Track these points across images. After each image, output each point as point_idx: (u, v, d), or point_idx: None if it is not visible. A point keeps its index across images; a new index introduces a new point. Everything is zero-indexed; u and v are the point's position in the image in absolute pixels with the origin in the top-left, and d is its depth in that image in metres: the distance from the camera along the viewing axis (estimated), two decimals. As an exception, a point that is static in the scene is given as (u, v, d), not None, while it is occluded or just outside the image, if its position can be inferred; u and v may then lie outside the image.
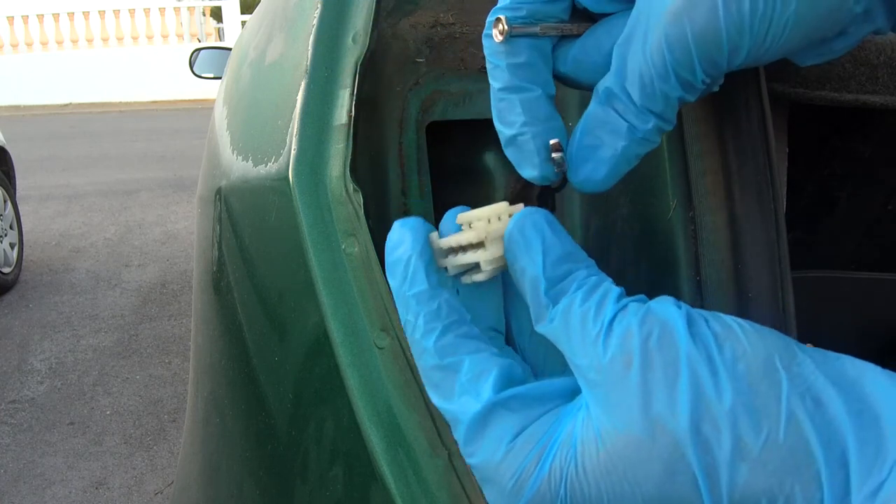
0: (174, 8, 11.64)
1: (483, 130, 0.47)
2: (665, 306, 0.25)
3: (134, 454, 2.20)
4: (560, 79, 0.31)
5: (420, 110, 0.44)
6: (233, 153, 0.53)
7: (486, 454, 0.26)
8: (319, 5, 0.43)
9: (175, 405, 2.46)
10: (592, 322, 0.25)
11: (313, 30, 0.42)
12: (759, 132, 0.37)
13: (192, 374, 0.66)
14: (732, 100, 0.38)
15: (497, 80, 0.29)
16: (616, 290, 0.26)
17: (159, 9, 11.52)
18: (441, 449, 0.36)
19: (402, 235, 0.29)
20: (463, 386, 0.27)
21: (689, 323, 0.24)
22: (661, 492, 0.23)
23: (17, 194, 3.91)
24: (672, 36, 0.25)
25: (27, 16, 11.25)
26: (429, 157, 0.44)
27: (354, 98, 0.40)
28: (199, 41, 12.07)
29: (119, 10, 11.38)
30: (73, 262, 3.92)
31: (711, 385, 0.23)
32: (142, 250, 4.10)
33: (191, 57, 2.51)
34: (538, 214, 0.28)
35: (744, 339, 0.23)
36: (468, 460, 0.27)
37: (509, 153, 0.30)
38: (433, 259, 0.29)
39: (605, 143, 0.28)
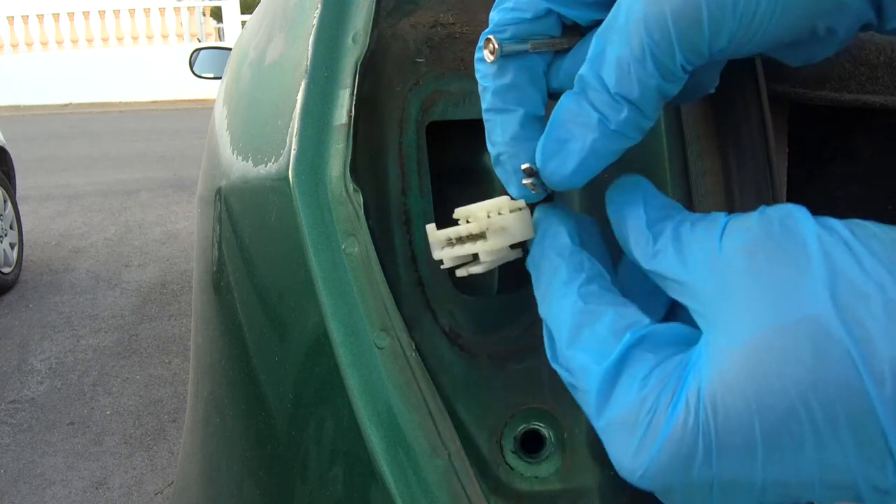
0: (174, 8, 11.64)
1: (483, 130, 0.47)
2: (781, 205, 0.24)
3: (134, 454, 2.20)
4: (555, 96, 0.30)
5: (420, 110, 0.44)
6: (233, 153, 0.53)
7: (618, 400, 0.25)
8: (319, 5, 0.43)
9: (175, 405, 2.47)
10: (705, 230, 0.25)
11: (313, 30, 0.42)
12: (759, 132, 0.37)
13: (192, 374, 0.66)
14: (732, 100, 0.38)
15: (483, 101, 0.30)
16: (700, 216, 0.26)
17: (159, 9, 11.52)
18: (441, 449, 0.36)
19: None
20: (604, 336, 0.26)
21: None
22: (814, 376, 0.21)
23: (17, 194, 3.91)
24: (651, 16, 0.24)
25: (27, 16, 11.25)
26: (429, 157, 0.44)
27: (354, 98, 0.40)
28: (199, 41, 12.08)
29: (119, 10, 11.38)
30: (73, 262, 3.92)
31: (848, 258, 0.22)
32: (142, 250, 4.10)
33: (191, 57, 2.51)
34: (637, 176, 0.28)
35: (871, 225, 0.23)
36: (601, 417, 0.25)
37: (497, 172, 0.31)
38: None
39: (576, 136, 0.27)
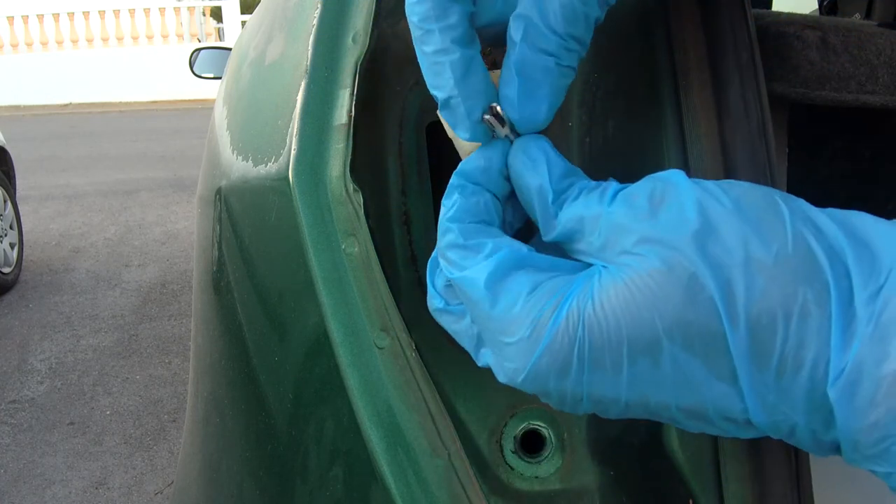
0: (174, 8, 11.64)
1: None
2: (664, 171, 0.27)
3: (134, 454, 2.20)
4: (483, 32, 0.32)
5: (420, 110, 0.44)
6: (233, 153, 0.53)
7: (502, 307, 0.27)
8: (319, 5, 0.43)
9: (175, 405, 2.47)
10: (598, 201, 0.28)
11: (313, 30, 0.42)
12: (759, 132, 0.37)
13: (192, 374, 0.66)
14: (732, 99, 0.38)
15: (428, 44, 0.30)
16: (605, 183, 0.29)
17: (159, 9, 11.52)
18: (441, 449, 0.36)
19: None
20: (482, 258, 0.28)
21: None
22: (680, 316, 0.24)
23: (17, 194, 3.91)
24: None
25: (27, 16, 11.25)
26: (429, 157, 0.44)
27: (354, 98, 0.40)
28: (199, 41, 12.07)
29: (119, 10, 11.38)
30: (73, 262, 3.92)
31: (719, 212, 0.25)
32: (142, 250, 4.10)
33: (191, 57, 2.51)
34: (541, 139, 0.30)
35: (745, 185, 0.26)
36: (483, 320, 0.28)
37: (444, 115, 0.31)
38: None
39: (539, 82, 0.29)
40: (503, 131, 0.31)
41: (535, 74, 0.29)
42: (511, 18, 0.30)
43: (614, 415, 0.27)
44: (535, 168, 0.29)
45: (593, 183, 0.29)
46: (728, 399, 0.25)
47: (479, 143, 0.32)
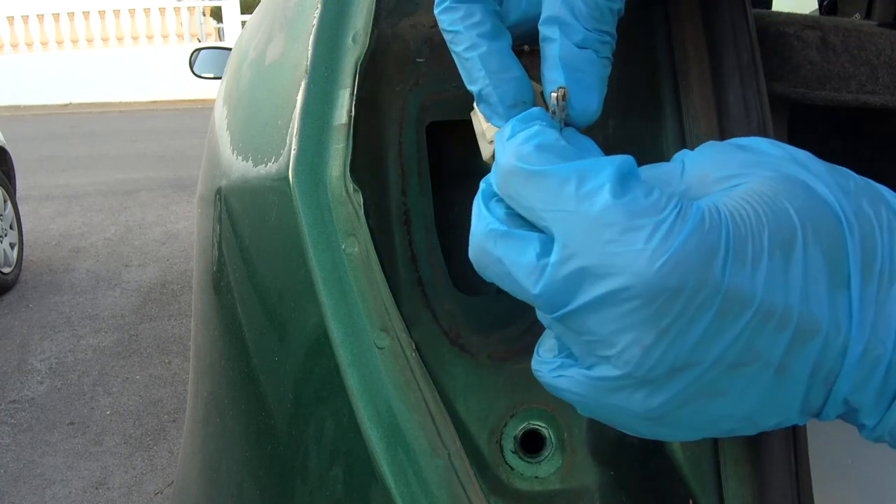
0: (174, 8, 11.64)
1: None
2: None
3: (134, 454, 2.20)
4: (512, 31, 0.32)
5: (420, 110, 0.44)
6: (233, 153, 0.53)
7: (637, 192, 0.25)
8: (319, 5, 0.43)
9: (175, 405, 2.47)
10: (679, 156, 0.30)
11: (313, 30, 0.42)
12: (759, 132, 0.37)
13: (192, 374, 0.66)
14: (732, 99, 0.38)
15: (458, 44, 0.31)
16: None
17: (159, 9, 11.52)
18: (441, 449, 0.36)
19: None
20: (594, 158, 0.27)
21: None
22: (808, 209, 0.26)
23: (17, 194, 3.91)
24: None
25: (27, 16, 11.25)
26: (429, 157, 0.44)
27: (354, 98, 0.40)
28: (199, 41, 12.07)
29: (119, 10, 11.38)
30: (73, 262, 3.92)
31: (801, 155, 0.28)
32: (142, 250, 4.10)
33: (191, 57, 2.51)
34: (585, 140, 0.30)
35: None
36: (603, 211, 0.25)
37: (480, 108, 0.32)
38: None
39: (586, 74, 0.30)
40: (560, 116, 0.30)
41: (581, 65, 0.30)
42: (541, 23, 0.30)
43: (719, 347, 0.25)
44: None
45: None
46: (840, 314, 0.25)
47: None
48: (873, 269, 0.25)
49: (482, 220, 0.28)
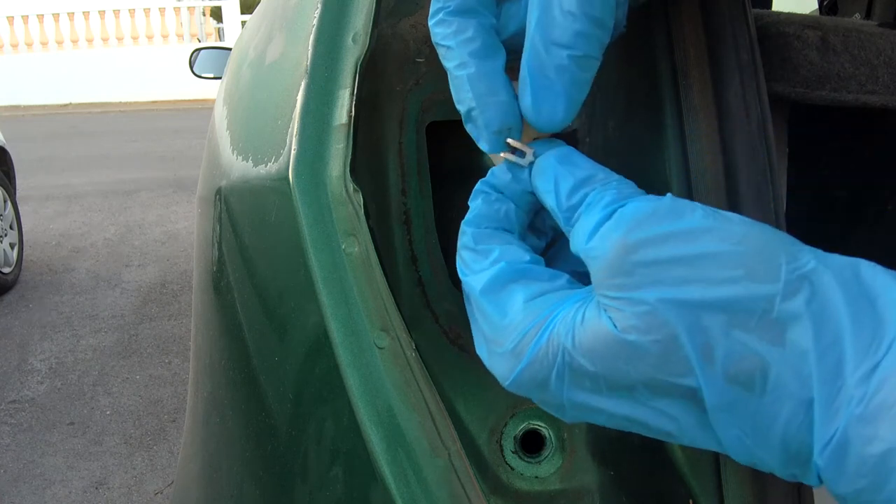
0: (174, 8, 11.64)
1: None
2: (641, 203, 0.27)
3: (134, 454, 2.20)
4: (511, 43, 0.31)
5: (420, 110, 0.44)
6: (233, 153, 0.53)
7: (495, 317, 0.29)
8: (319, 5, 0.43)
9: (175, 405, 2.46)
10: (581, 233, 0.28)
11: (313, 30, 0.42)
12: (759, 132, 0.37)
13: (192, 374, 0.66)
14: (732, 99, 0.38)
15: (449, 60, 0.31)
16: (609, 196, 0.28)
17: (159, 9, 11.51)
18: (441, 449, 0.36)
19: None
20: (487, 264, 0.30)
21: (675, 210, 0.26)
22: (653, 375, 0.25)
23: (17, 194, 3.91)
24: None
25: (27, 16, 11.25)
26: (429, 157, 0.44)
27: (354, 98, 0.40)
28: (199, 41, 12.07)
29: (119, 10, 11.38)
30: (73, 262, 3.92)
31: (705, 257, 0.24)
32: (142, 250, 4.09)
33: (191, 57, 2.51)
34: (557, 149, 0.30)
35: (749, 224, 0.25)
36: (479, 323, 0.29)
37: (468, 128, 0.32)
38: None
39: (553, 80, 0.29)
40: (526, 159, 0.31)
41: (548, 73, 0.29)
42: (529, 3, 0.29)
43: (602, 423, 0.28)
44: (547, 190, 0.30)
45: (596, 194, 0.28)
46: (703, 436, 0.25)
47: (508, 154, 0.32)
48: (742, 417, 0.24)
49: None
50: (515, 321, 0.28)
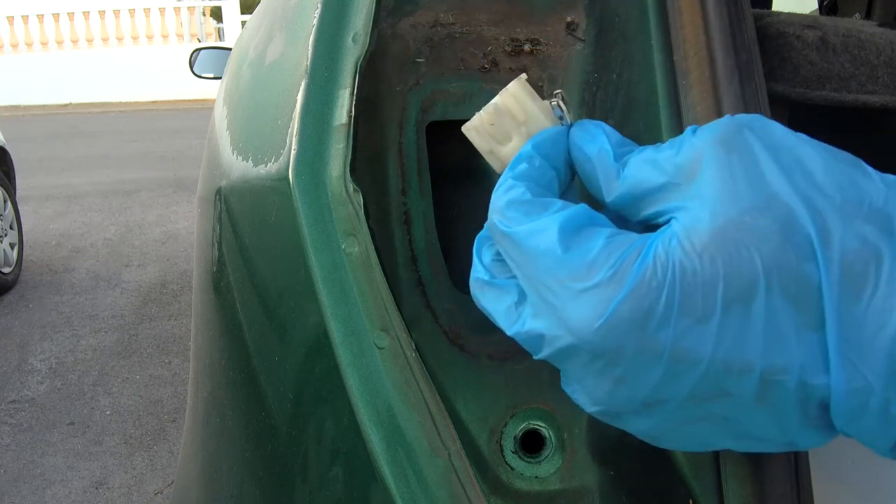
0: (174, 8, 11.64)
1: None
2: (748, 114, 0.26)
3: (134, 454, 2.20)
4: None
5: (420, 110, 0.44)
6: (233, 153, 0.53)
7: (578, 252, 0.25)
8: (319, 5, 0.43)
9: (175, 405, 2.46)
10: (671, 143, 0.26)
11: (313, 30, 0.42)
12: (759, 132, 0.37)
13: (192, 374, 0.66)
14: (732, 99, 0.38)
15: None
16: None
17: (159, 9, 11.52)
18: (441, 449, 0.36)
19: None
20: (552, 212, 0.27)
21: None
22: (778, 254, 0.23)
23: (17, 194, 3.91)
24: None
25: (27, 16, 11.25)
26: (429, 157, 0.44)
27: (354, 98, 0.40)
28: (199, 41, 12.07)
29: (119, 10, 11.38)
30: (73, 262, 3.92)
31: (814, 158, 0.24)
32: (142, 250, 4.09)
33: (191, 57, 2.51)
34: (594, 121, 0.30)
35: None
36: (549, 269, 0.26)
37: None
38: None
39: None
40: (569, 117, 0.32)
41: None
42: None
43: (691, 386, 0.24)
44: (594, 137, 0.29)
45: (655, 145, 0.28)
46: (814, 356, 0.23)
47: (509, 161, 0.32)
48: (855, 312, 0.23)
49: (474, 265, 0.30)
50: (609, 249, 0.25)
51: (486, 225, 0.30)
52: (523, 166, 0.29)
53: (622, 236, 0.25)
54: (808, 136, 0.26)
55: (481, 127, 0.33)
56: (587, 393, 0.27)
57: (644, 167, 0.27)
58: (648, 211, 0.27)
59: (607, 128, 0.30)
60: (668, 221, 0.26)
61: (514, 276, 0.28)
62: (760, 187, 0.24)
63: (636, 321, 0.24)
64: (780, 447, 0.27)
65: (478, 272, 0.30)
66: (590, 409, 0.28)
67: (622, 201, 0.28)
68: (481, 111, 0.33)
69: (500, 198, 0.29)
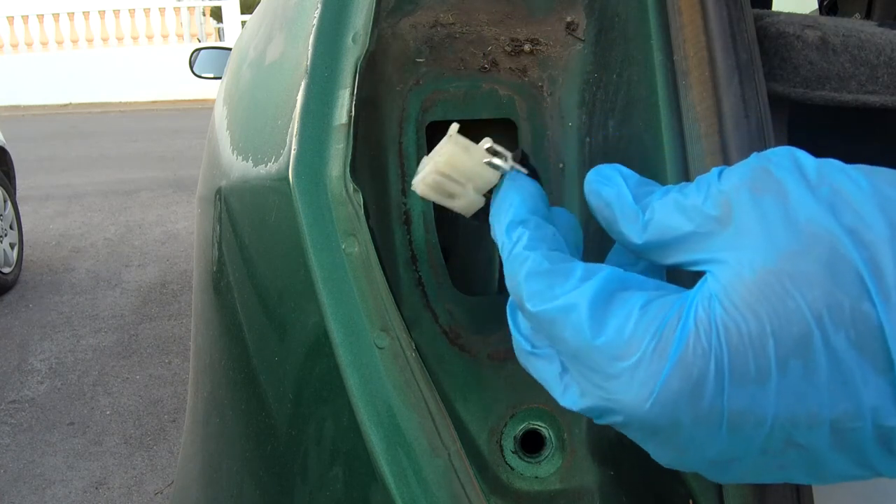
0: (174, 8, 11.64)
1: (483, 130, 0.47)
2: (775, 148, 0.25)
3: (134, 454, 2.20)
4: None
5: (420, 110, 0.44)
6: (233, 153, 0.53)
7: (612, 329, 0.24)
8: (319, 5, 0.43)
9: (175, 405, 2.46)
10: (697, 185, 0.25)
11: (313, 30, 0.42)
12: (759, 132, 0.37)
13: (192, 374, 0.66)
14: (732, 99, 0.38)
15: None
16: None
17: (159, 9, 11.51)
18: (441, 449, 0.36)
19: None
20: (577, 281, 0.25)
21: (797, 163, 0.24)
22: (827, 296, 0.21)
23: (17, 194, 3.91)
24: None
25: (27, 16, 11.25)
26: (429, 157, 0.44)
27: (354, 98, 0.40)
28: (199, 41, 12.07)
29: (119, 10, 11.38)
30: (73, 262, 3.92)
31: (849, 186, 0.22)
32: (142, 250, 4.09)
33: (191, 57, 2.51)
34: (611, 164, 0.29)
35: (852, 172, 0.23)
36: (585, 351, 0.24)
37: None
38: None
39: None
40: (507, 164, 0.31)
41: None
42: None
43: (754, 445, 0.23)
44: (610, 180, 0.28)
45: (677, 185, 0.26)
46: (885, 398, 0.21)
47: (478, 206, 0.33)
48: None
49: (512, 335, 0.29)
50: (646, 321, 0.23)
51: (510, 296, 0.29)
52: (522, 232, 0.28)
53: (658, 301, 0.24)
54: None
55: (427, 191, 0.33)
56: (655, 455, 0.26)
57: (670, 213, 0.25)
58: (678, 259, 0.25)
59: (624, 169, 0.28)
60: (699, 270, 0.24)
61: (553, 347, 0.27)
62: (797, 228, 0.22)
63: (687, 392, 0.22)
64: (867, 477, 0.25)
65: (519, 343, 0.29)
66: (660, 461, 0.27)
67: (647, 247, 0.26)
68: (424, 171, 0.32)
69: (517, 272, 0.27)
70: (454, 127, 0.32)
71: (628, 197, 0.27)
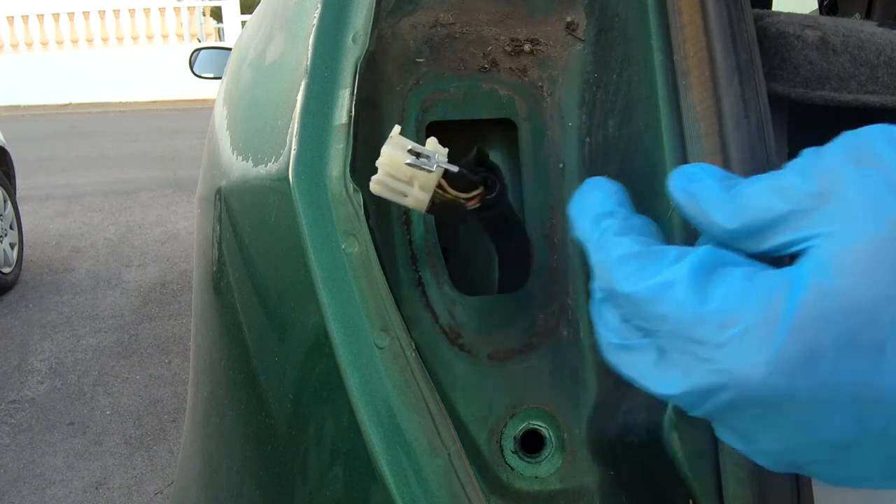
0: (174, 8, 11.64)
1: (483, 130, 0.47)
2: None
3: (134, 454, 2.20)
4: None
5: (420, 110, 0.44)
6: (233, 153, 0.53)
7: (718, 299, 0.23)
8: (319, 5, 0.43)
9: (175, 405, 2.46)
10: (791, 166, 0.24)
11: (313, 30, 0.42)
12: (759, 132, 0.37)
13: (192, 374, 0.66)
14: (732, 99, 0.38)
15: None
16: None
17: (159, 9, 11.51)
18: (441, 449, 0.36)
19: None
20: (673, 260, 0.25)
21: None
22: None
23: (17, 194, 3.91)
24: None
25: (27, 16, 11.25)
26: (429, 157, 0.44)
27: (354, 98, 0.40)
28: (199, 41, 12.08)
29: (119, 10, 11.38)
30: (73, 262, 3.92)
31: None
32: (142, 250, 4.09)
33: (191, 57, 2.51)
34: (692, 164, 0.29)
35: None
36: (688, 324, 0.23)
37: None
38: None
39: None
40: (430, 163, 0.33)
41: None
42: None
43: (872, 430, 0.22)
44: (694, 176, 0.27)
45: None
46: None
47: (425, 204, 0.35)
48: None
49: (599, 332, 0.29)
50: (752, 289, 0.23)
51: (594, 288, 0.29)
52: (611, 222, 0.28)
53: (762, 273, 0.23)
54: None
55: (381, 190, 0.35)
56: (758, 446, 0.25)
57: (765, 195, 0.25)
58: (774, 242, 0.25)
59: (706, 166, 0.28)
60: (797, 253, 0.24)
61: (647, 335, 0.26)
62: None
63: (803, 360, 0.21)
64: None
65: (607, 338, 0.28)
66: (760, 460, 0.26)
67: (739, 234, 0.25)
68: (379, 173, 0.35)
69: (608, 258, 0.27)
70: (396, 129, 0.33)
71: (716, 188, 0.26)
